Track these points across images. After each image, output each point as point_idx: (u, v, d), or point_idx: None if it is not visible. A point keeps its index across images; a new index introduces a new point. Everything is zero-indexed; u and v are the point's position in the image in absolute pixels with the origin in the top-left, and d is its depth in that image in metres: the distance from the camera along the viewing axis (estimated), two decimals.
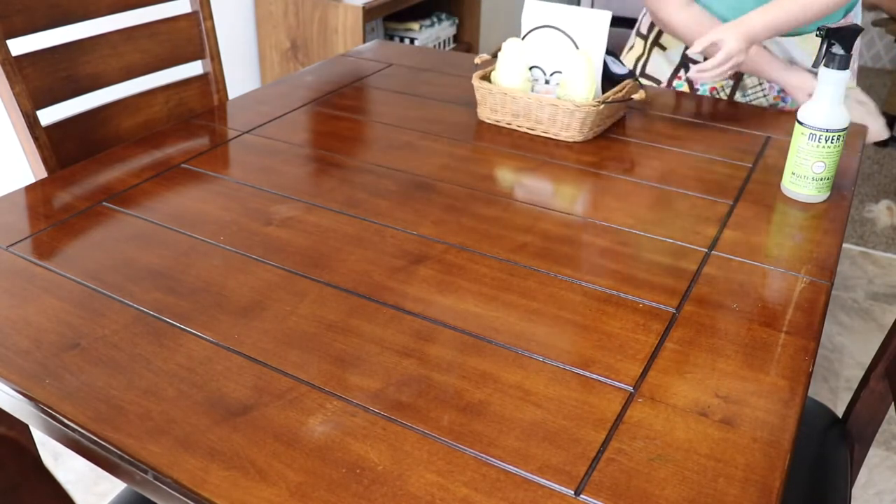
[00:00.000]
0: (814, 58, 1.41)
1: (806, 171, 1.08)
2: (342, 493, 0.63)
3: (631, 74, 1.38)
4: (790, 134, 1.32)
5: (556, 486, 0.64)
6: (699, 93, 1.59)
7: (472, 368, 0.77)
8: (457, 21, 3.09)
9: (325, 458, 0.66)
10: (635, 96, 1.31)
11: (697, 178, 1.17)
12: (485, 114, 1.36)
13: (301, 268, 0.93)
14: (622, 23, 1.74)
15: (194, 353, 0.78)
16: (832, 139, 1.05)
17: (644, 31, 1.65)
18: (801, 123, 1.07)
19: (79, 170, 1.17)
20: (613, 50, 1.37)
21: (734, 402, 0.73)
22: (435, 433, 0.69)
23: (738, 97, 1.57)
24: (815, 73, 1.17)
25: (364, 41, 2.40)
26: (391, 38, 2.87)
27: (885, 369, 1.05)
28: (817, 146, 1.06)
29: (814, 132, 1.06)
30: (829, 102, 1.05)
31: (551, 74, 1.37)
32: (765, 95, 1.55)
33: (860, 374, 1.95)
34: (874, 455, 1.74)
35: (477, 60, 1.43)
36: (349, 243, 0.98)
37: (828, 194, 1.11)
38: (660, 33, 1.61)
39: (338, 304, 0.86)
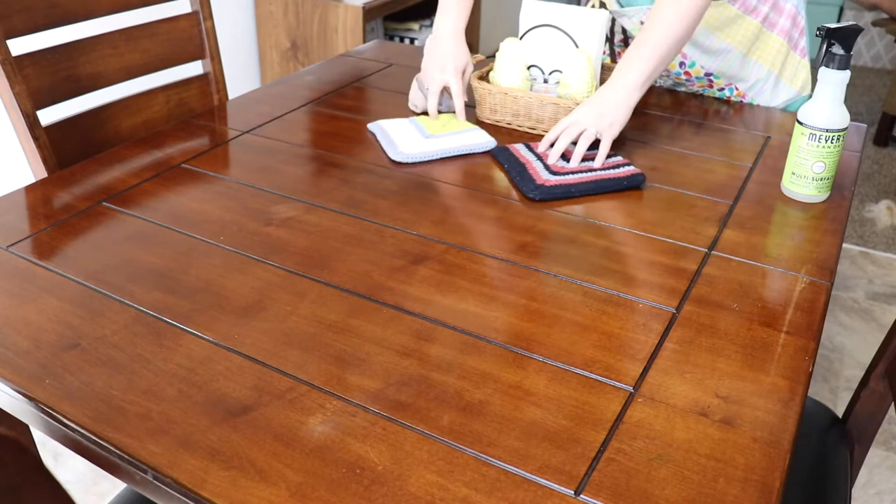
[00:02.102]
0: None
1: (806, 171, 1.08)
2: (342, 493, 0.63)
3: None
4: (790, 134, 1.32)
5: (556, 487, 0.64)
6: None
7: (471, 368, 0.77)
8: None
9: (324, 458, 0.66)
10: None
11: (697, 178, 1.17)
12: (484, 114, 1.36)
13: (301, 268, 0.93)
14: None
15: (194, 353, 0.78)
16: (832, 139, 1.05)
17: None
18: (801, 123, 1.07)
19: (79, 170, 1.17)
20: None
21: (734, 402, 0.73)
22: (435, 433, 0.69)
23: None
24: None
25: (364, 41, 2.40)
26: (391, 38, 2.87)
27: (885, 369, 1.05)
28: (817, 146, 1.06)
29: (814, 132, 1.06)
30: (829, 103, 1.05)
31: (550, 73, 1.37)
32: (668, 75, 1.51)
33: (860, 374, 1.95)
34: (874, 455, 1.74)
35: (472, 61, 1.43)
36: (349, 243, 0.98)
37: (828, 194, 1.11)
38: None
39: (338, 304, 0.86)
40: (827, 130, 1.05)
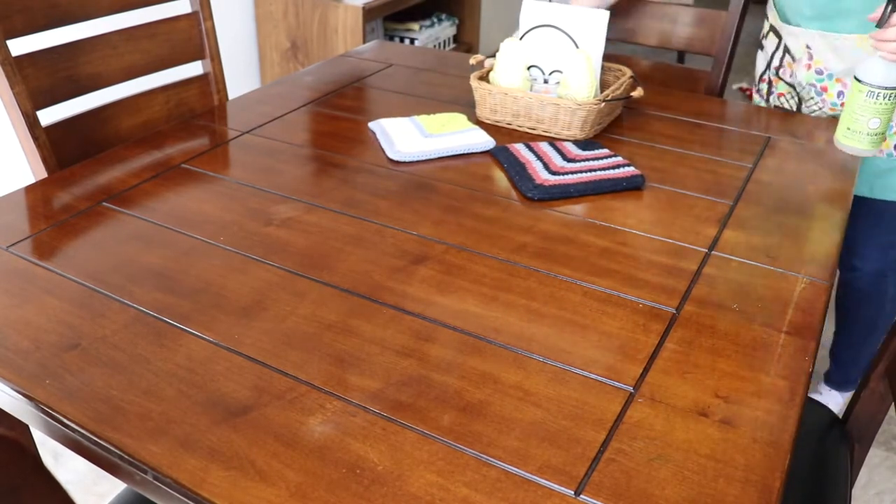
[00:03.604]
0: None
1: (861, 126, 1.16)
2: (342, 493, 0.63)
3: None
4: (790, 134, 1.32)
5: (556, 487, 0.64)
6: (769, 104, 1.51)
7: (472, 368, 0.77)
8: (457, 21, 3.09)
9: (324, 458, 0.66)
10: (634, 94, 1.31)
11: (697, 178, 1.17)
12: (484, 114, 1.36)
13: (301, 268, 0.93)
14: None
15: (194, 353, 0.78)
16: (889, 96, 1.12)
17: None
18: (859, 81, 1.14)
19: (79, 170, 1.17)
20: None
21: (734, 402, 0.73)
22: (435, 433, 0.69)
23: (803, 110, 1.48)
24: None
25: (364, 41, 2.40)
26: (391, 38, 2.87)
27: (885, 369, 1.05)
28: (875, 103, 1.14)
29: (872, 89, 1.13)
30: (887, 61, 1.11)
31: (550, 74, 1.37)
32: (820, 109, 1.45)
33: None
34: (874, 455, 1.74)
35: (472, 61, 1.43)
36: (349, 243, 0.98)
37: (879, 148, 1.19)
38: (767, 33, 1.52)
39: (338, 304, 0.86)
40: (885, 88, 1.11)
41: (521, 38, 1.38)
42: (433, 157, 1.22)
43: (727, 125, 1.37)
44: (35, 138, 1.25)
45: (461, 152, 1.24)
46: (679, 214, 1.07)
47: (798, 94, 1.46)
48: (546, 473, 0.65)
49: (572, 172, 1.14)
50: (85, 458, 0.72)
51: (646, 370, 0.77)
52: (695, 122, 1.39)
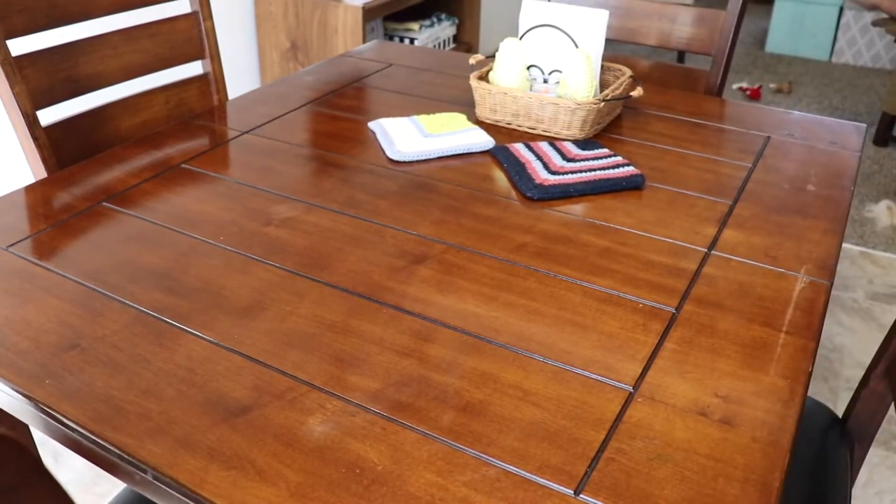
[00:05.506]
0: None
1: None
2: (342, 493, 0.63)
3: None
4: (790, 134, 1.32)
5: (556, 486, 0.64)
6: None
7: (471, 368, 0.77)
8: (457, 21, 3.09)
9: (324, 458, 0.66)
10: (633, 94, 1.31)
11: (697, 178, 1.17)
12: (484, 114, 1.36)
13: (301, 268, 0.93)
14: None
15: (194, 353, 0.78)
16: None
17: None
18: None
19: (79, 170, 1.17)
20: None
21: (734, 401, 0.73)
22: (435, 433, 0.69)
23: None
24: None
25: (364, 41, 2.40)
26: (391, 38, 2.87)
27: (885, 369, 1.05)
28: None
29: None
30: None
31: (549, 73, 1.37)
32: None
33: (860, 374, 1.95)
34: (874, 455, 1.74)
35: (472, 61, 1.44)
36: (349, 243, 0.98)
37: None
38: None
39: (338, 304, 0.86)
40: None
41: (520, 38, 1.38)
42: (433, 156, 1.22)
43: (727, 125, 1.37)
44: (35, 138, 1.26)
45: (461, 152, 1.24)
46: (679, 214, 1.07)
47: None
48: (545, 473, 0.65)
49: (572, 172, 1.14)
50: (85, 457, 0.72)
51: (645, 370, 0.77)
52: (694, 121, 1.39)
